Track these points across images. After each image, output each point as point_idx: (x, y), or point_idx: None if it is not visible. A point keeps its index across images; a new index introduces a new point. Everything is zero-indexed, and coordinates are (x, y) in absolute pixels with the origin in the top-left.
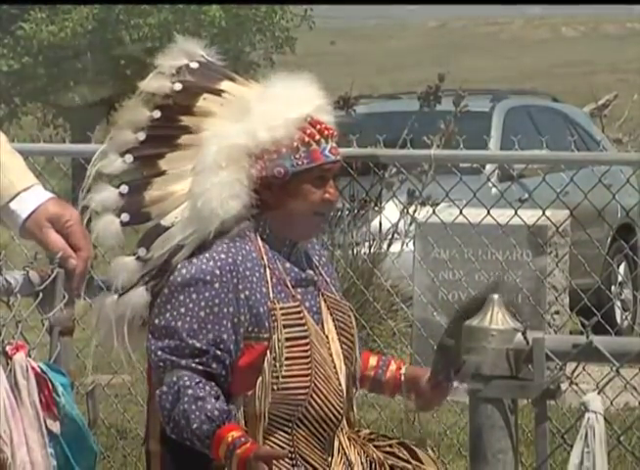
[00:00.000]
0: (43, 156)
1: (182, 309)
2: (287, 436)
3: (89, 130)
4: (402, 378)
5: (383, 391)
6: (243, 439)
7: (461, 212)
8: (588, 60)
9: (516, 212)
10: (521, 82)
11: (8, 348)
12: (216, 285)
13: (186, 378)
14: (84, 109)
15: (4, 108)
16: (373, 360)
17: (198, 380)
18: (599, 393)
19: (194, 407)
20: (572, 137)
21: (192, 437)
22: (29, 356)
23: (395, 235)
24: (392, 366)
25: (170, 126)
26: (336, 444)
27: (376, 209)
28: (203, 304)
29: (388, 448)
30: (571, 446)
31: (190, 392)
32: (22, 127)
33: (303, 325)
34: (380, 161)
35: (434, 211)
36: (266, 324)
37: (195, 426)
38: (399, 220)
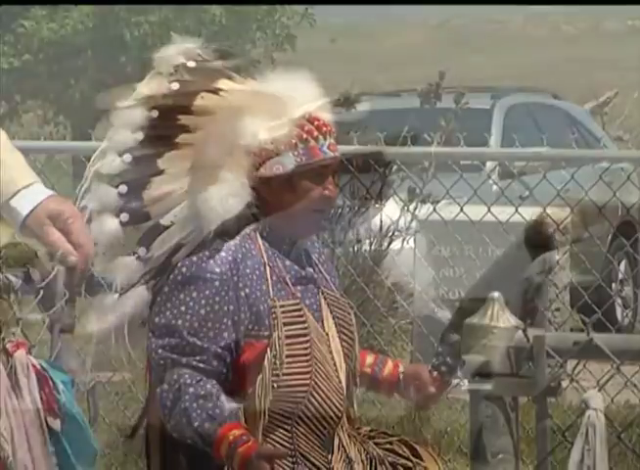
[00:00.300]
0: (44, 153)
1: (182, 308)
2: (287, 433)
3: (90, 128)
4: (401, 376)
5: (379, 388)
6: (244, 437)
7: (462, 210)
8: (589, 57)
9: (516, 210)
10: (521, 80)
11: (9, 345)
12: (217, 283)
13: (187, 376)
14: (85, 106)
15: (5, 105)
16: (370, 358)
17: (199, 378)
18: (600, 390)
19: (195, 406)
20: (573, 134)
21: (193, 435)
22: (30, 354)
23: (396, 232)
24: (390, 365)
25: (169, 126)
26: (336, 441)
27: (376, 206)
28: (203, 302)
29: (388, 446)
30: (572, 444)
31: (191, 390)
32: (22, 125)
33: (304, 323)
34: (384, 158)
35: (434, 209)
36: (266, 322)
37: (196, 424)
38: (400, 218)
